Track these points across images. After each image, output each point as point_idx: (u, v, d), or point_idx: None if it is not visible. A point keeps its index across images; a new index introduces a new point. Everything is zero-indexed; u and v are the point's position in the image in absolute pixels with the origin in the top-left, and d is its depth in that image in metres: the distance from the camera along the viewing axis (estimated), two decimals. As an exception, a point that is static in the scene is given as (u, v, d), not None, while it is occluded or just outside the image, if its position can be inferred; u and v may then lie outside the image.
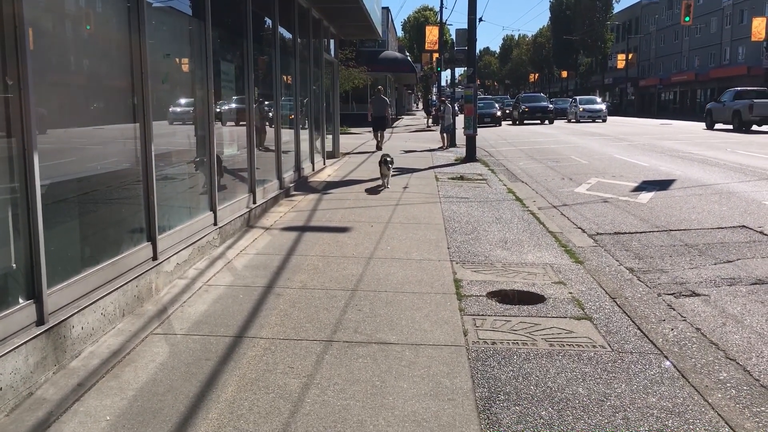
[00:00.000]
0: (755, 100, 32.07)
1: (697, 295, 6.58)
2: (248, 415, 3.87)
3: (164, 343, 4.96)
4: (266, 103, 11.58)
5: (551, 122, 47.87)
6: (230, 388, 4.21)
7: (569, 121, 51.21)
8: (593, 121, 49.27)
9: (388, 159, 13.31)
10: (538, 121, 48.24)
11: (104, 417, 3.84)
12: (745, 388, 4.48)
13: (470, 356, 4.79)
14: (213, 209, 7.82)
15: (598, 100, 56.20)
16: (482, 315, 5.70)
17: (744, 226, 9.54)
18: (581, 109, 50.51)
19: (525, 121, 48.75)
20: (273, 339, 5.06)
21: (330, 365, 4.59)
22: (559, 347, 5.00)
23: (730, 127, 33.91)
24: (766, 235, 8.95)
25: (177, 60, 7.71)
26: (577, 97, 54.85)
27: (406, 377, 4.41)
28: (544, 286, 6.55)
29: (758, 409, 4.16)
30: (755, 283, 6.85)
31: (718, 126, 36.01)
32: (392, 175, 15.53)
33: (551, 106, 50.73)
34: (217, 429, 3.70)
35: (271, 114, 11.68)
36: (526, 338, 5.17)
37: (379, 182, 13.72)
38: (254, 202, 9.68)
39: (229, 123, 9.89)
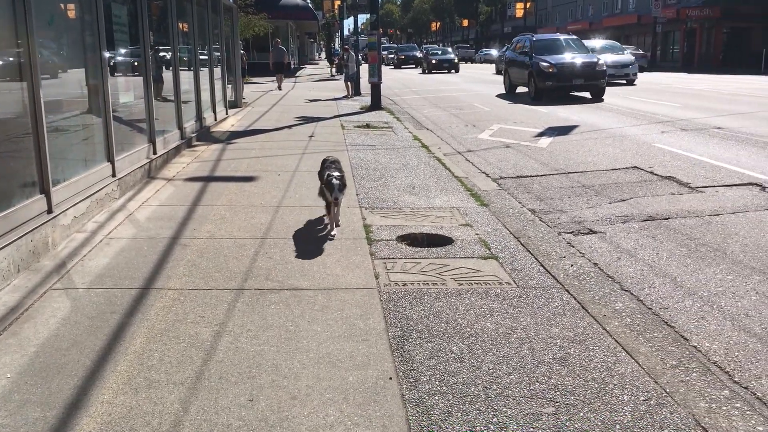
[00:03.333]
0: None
1: (594, 232, 6.89)
2: (159, 366, 3.79)
3: (65, 297, 4.76)
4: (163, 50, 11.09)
5: (631, 82, 27.85)
6: (139, 340, 4.10)
7: None
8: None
9: (335, 180, 6.22)
10: (588, 94, 21.92)
11: (4, 375, 3.67)
12: (639, 316, 4.76)
13: (382, 298, 4.85)
14: (111, 160, 7.48)
15: (620, 45, 33.45)
16: (393, 258, 5.77)
17: (636, 167, 10.03)
18: None
19: (564, 96, 21.83)
20: (181, 289, 4.95)
21: (242, 313, 4.54)
22: (468, 286, 5.14)
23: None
24: (656, 175, 9.45)
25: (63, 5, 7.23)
26: (591, 42, 29.36)
27: (319, 321, 4.43)
28: (452, 228, 6.69)
29: (651, 335, 4.45)
30: (646, 220, 7.24)
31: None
32: (297, 125, 15.35)
33: (632, 57, 29.71)
34: (128, 381, 3.61)
35: (168, 57, 11.19)
36: (436, 279, 5.29)
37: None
38: (155, 153, 9.33)
39: (124, 71, 9.43)
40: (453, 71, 45.83)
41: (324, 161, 6.85)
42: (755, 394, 3.74)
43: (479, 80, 35.74)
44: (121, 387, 3.54)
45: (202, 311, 4.56)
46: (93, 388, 3.53)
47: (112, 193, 7.34)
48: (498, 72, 39.90)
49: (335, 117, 17.23)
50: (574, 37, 25.01)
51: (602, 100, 20.43)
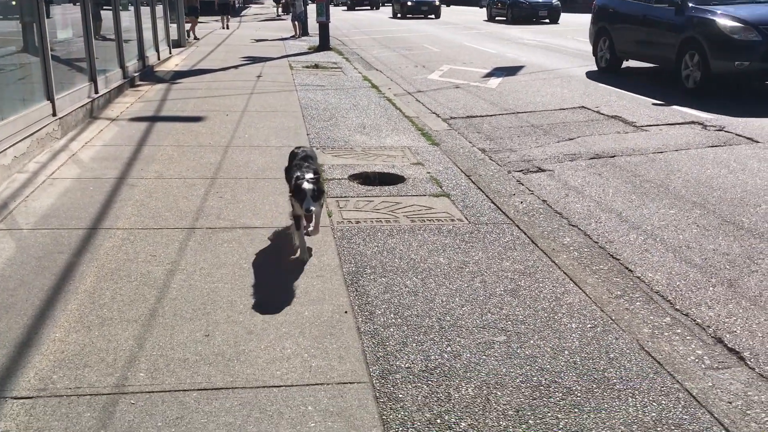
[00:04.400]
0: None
1: (543, 170, 7.00)
2: (111, 304, 3.74)
3: (9, 238, 4.62)
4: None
5: None
6: (89, 279, 4.03)
7: None
8: None
9: (307, 185, 4.24)
10: None
11: (-51, 317, 3.57)
12: (586, 250, 4.90)
13: (336, 236, 4.86)
14: (50, 98, 7.19)
15: None
16: (345, 197, 5.77)
17: (583, 107, 10.15)
18: None
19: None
20: (131, 229, 4.86)
21: (194, 251, 4.50)
22: (420, 222, 5.19)
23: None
24: (602, 114, 9.60)
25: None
26: None
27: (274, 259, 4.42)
28: (404, 167, 6.71)
29: (597, 267, 4.59)
30: (593, 158, 7.38)
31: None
32: (244, 65, 15.00)
33: None
34: (79, 319, 3.56)
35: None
36: (388, 216, 5.31)
37: None
38: (96, 92, 9.00)
39: (61, 7, 9.00)
40: (432, 16, 38.18)
41: (293, 155, 4.83)
42: (695, 321, 3.92)
43: (476, 31, 29.34)
44: (72, 325, 3.50)
45: (153, 250, 4.50)
46: (44, 327, 3.47)
47: (54, 133, 7.09)
48: (491, 18, 33.93)
49: (283, 57, 16.87)
50: None
51: None
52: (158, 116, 8.93)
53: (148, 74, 12.61)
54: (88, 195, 5.58)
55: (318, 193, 4.28)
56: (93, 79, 8.99)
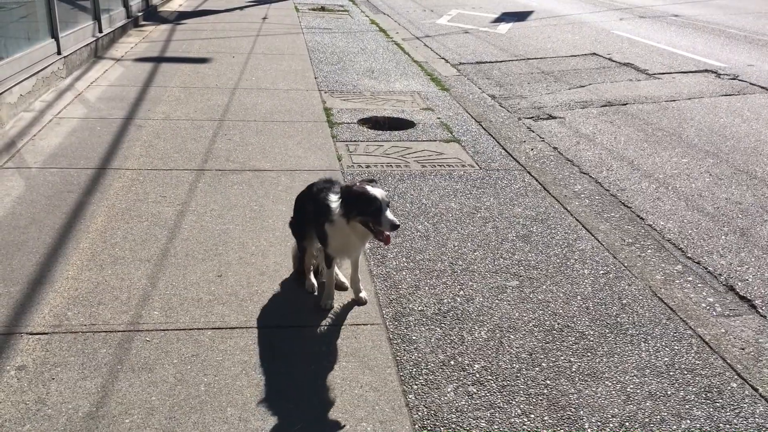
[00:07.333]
0: None
1: (554, 117, 6.91)
2: (123, 243, 3.73)
3: (18, 176, 4.59)
4: None
5: None
6: (100, 219, 4.02)
7: None
8: None
9: (381, 192, 2.85)
10: None
11: (-39, 253, 3.57)
12: (597, 197, 4.87)
13: (346, 180, 4.82)
14: (55, 36, 7.06)
15: None
16: (355, 141, 5.71)
17: (595, 54, 9.98)
18: None
19: None
20: (140, 170, 4.82)
21: (204, 193, 4.47)
22: (431, 168, 5.14)
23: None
24: (614, 61, 9.43)
25: None
26: None
27: (284, 201, 4.39)
28: (413, 112, 6.62)
29: (609, 215, 4.56)
30: (605, 105, 7.28)
31: None
32: (249, 6, 14.71)
33: None
34: (92, 257, 3.55)
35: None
36: (399, 161, 5.26)
37: None
38: (100, 31, 8.84)
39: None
40: None
41: (305, 194, 3.34)
42: (707, 269, 3.91)
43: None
44: (85, 263, 3.49)
45: (163, 191, 4.47)
46: (56, 264, 3.47)
47: (59, 72, 6.98)
48: None
49: (288, -1, 16.52)
50: None
51: None
52: (163, 57, 8.79)
53: (152, 14, 12.38)
54: (96, 135, 5.52)
55: (387, 203, 2.85)
56: (97, 18, 8.82)
